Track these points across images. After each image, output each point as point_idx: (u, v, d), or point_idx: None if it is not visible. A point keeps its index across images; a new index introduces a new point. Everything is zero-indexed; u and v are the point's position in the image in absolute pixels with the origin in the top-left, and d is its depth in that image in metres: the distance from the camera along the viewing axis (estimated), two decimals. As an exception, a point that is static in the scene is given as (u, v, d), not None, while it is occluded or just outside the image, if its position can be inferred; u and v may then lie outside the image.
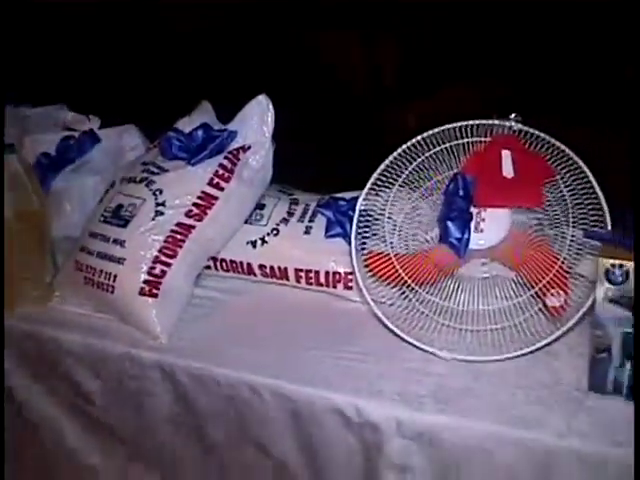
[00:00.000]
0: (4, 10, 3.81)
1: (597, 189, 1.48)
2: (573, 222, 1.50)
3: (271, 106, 1.76)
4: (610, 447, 1.28)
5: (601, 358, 1.35)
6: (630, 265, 1.28)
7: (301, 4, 5.19)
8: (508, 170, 1.51)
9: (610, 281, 1.30)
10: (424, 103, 4.52)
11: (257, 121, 1.77)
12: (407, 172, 1.57)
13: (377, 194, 1.60)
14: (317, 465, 1.52)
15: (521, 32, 5.99)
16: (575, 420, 1.33)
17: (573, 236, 1.49)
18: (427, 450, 1.38)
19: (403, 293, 1.55)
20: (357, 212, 1.58)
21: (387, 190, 1.59)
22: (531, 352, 1.47)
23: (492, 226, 1.50)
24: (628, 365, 1.34)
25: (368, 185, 1.59)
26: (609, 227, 1.45)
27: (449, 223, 1.50)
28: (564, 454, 1.30)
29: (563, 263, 1.48)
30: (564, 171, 1.51)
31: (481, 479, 1.38)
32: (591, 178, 1.49)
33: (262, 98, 1.77)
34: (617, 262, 1.29)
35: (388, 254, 1.54)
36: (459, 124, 1.56)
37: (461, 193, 1.51)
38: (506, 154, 1.51)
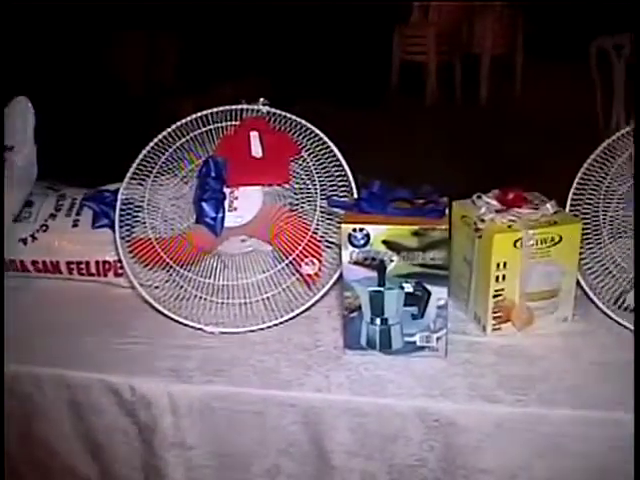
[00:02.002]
0: None
1: (342, 161, 1.55)
2: (322, 194, 1.55)
3: (30, 105, 1.75)
4: (367, 396, 1.36)
5: (353, 317, 1.41)
6: (370, 228, 1.34)
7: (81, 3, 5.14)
8: (257, 150, 1.55)
9: (353, 244, 1.35)
10: (199, 99, 4.57)
11: (19, 121, 1.75)
12: (162, 160, 1.59)
13: (139, 183, 1.61)
14: (99, 455, 1.52)
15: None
16: (333, 376, 1.39)
17: (322, 207, 1.55)
18: (200, 422, 1.41)
19: (170, 275, 1.58)
20: (119, 202, 1.59)
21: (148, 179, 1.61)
22: (292, 318, 1.53)
23: (245, 204, 1.54)
24: (378, 321, 1.40)
25: (128, 175, 1.60)
26: (355, 195, 1.51)
27: (203, 204, 1.53)
28: (326, 407, 1.36)
29: (315, 233, 1.53)
30: (314, 146, 1.57)
31: (253, 442, 1.42)
32: (336, 151, 1.55)
33: (21, 99, 1.76)
34: (358, 226, 1.34)
35: (150, 239, 1.56)
36: (210, 111, 1.59)
37: (213, 175, 1.54)
38: (254, 135, 1.55)
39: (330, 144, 1.55)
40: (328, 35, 7.05)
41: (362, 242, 1.35)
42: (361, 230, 1.34)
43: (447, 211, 1.39)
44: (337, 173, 1.55)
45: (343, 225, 1.35)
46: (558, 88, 6.49)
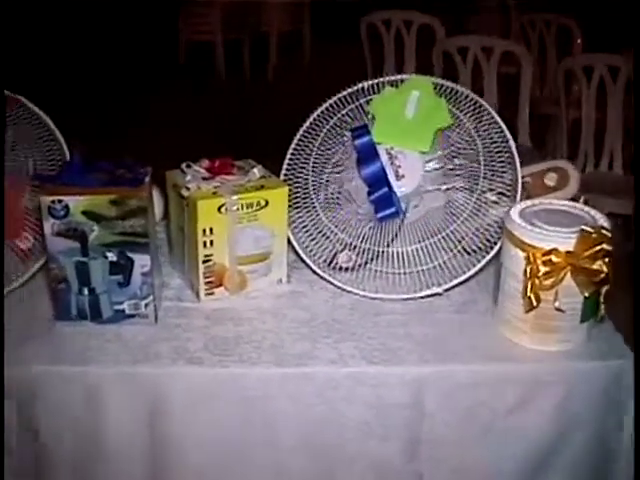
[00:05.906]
0: None
1: (58, 135, 1.52)
2: (41, 168, 1.52)
3: None
4: (75, 366, 1.32)
5: (61, 288, 1.37)
6: (68, 199, 1.31)
7: None
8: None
9: (53, 216, 1.31)
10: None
11: None
12: None
13: None
14: None
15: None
16: (44, 349, 1.35)
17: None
18: None
19: None
20: None
21: None
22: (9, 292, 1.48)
23: None
24: (85, 291, 1.37)
25: None
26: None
27: None
28: (34, 381, 1.32)
29: (27, 208, 1.50)
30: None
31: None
32: (51, 125, 1.53)
33: None
34: (56, 198, 1.31)
35: None
36: None
37: None
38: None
39: (45, 118, 1.52)
40: (113, 19, 7.00)
41: (62, 213, 1.31)
42: (60, 202, 1.31)
43: (147, 179, 1.37)
44: (55, 147, 1.52)
45: (42, 197, 1.31)
46: (342, 62, 6.63)
